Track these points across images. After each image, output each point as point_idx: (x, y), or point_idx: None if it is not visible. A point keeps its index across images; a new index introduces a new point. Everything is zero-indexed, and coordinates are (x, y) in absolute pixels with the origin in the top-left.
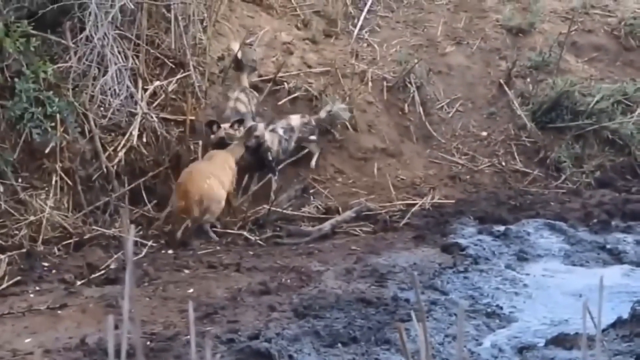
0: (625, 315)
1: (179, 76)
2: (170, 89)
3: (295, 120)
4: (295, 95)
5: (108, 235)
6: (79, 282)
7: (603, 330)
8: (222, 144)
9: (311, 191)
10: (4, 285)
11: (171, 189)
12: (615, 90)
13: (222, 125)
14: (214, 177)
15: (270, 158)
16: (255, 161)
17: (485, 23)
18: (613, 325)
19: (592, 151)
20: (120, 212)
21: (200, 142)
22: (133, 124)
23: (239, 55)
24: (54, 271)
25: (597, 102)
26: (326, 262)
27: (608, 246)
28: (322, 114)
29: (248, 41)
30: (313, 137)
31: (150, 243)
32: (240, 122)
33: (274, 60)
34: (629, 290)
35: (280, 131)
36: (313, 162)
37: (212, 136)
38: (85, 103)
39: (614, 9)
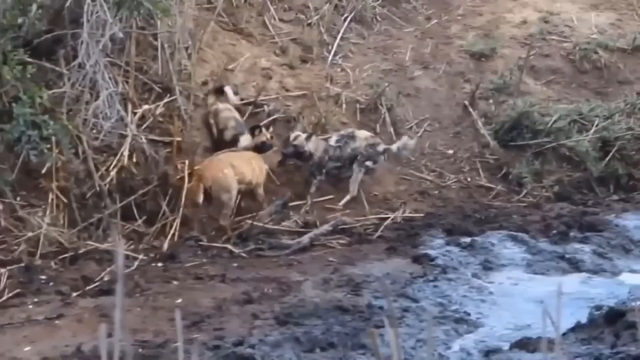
0: (584, 320)
1: (165, 100)
2: (157, 112)
3: (362, 134)
4: (274, 117)
5: (101, 250)
6: (74, 294)
7: (563, 335)
8: (262, 148)
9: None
10: (5, 298)
11: (160, 206)
12: (572, 111)
13: (263, 130)
14: (233, 167)
15: (311, 163)
16: (304, 165)
17: (450, 49)
18: (572, 330)
19: (550, 167)
20: (112, 228)
21: (187, 162)
22: (123, 145)
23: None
24: (51, 284)
25: (555, 121)
26: (305, 273)
27: (567, 256)
28: (394, 147)
29: (230, 67)
30: (369, 163)
31: (141, 256)
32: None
33: (254, 85)
34: (586, 297)
35: (333, 140)
36: (352, 187)
37: (254, 139)
38: (78, 126)
39: (569, 34)
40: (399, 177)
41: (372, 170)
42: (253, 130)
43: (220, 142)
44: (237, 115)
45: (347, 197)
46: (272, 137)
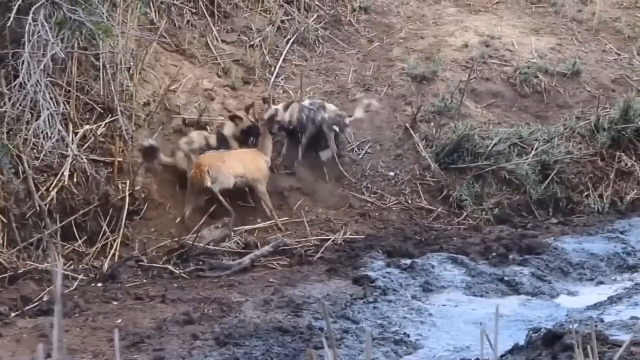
0: (522, 342)
1: (107, 120)
2: (99, 132)
3: (330, 106)
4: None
5: (41, 270)
6: (13, 314)
7: (502, 356)
8: (250, 133)
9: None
10: None
11: (100, 226)
12: (512, 134)
13: (243, 116)
14: (226, 163)
15: (292, 127)
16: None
17: (392, 71)
18: (511, 352)
19: (490, 190)
20: (50, 248)
21: (128, 182)
22: (64, 165)
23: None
24: None
25: (495, 144)
26: (246, 294)
27: (506, 278)
28: (359, 113)
29: (172, 88)
30: (336, 128)
31: (80, 276)
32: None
33: (196, 106)
34: (525, 319)
35: (306, 102)
36: (324, 154)
37: (238, 126)
38: (19, 145)
39: (510, 58)
40: (340, 199)
41: (339, 140)
42: (233, 119)
43: None
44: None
45: (328, 153)
46: (256, 120)
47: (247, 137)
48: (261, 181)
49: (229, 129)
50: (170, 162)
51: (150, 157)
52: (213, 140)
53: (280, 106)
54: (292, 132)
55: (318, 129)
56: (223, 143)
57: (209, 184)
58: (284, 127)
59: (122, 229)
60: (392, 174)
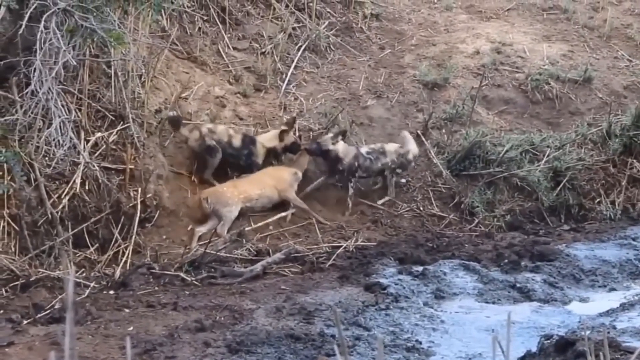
0: (534, 349)
1: (118, 128)
2: (110, 139)
3: (391, 147)
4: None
5: (53, 277)
6: (25, 322)
7: None
8: (292, 149)
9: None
10: None
11: (112, 233)
12: (523, 141)
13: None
14: (234, 187)
15: (341, 168)
16: (327, 167)
17: (403, 78)
18: (523, 358)
19: (502, 197)
20: (62, 255)
21: (139, 190)
22: (76, 173)
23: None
24: (1, 311)
25: (507, 151)
26: (257, 301)
27: (518, 285)
28: (411, 145)
29: (183, 95)
30: (399, 171)
31: (92, 284)
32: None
33: (207, 113)
34: (537, 326)
35: (364, 150)
36: (390, 190)
37: (284, 141)
38: (31, 153)
39: (522, 65)
40: (352, 206)
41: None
42: (282, 134)
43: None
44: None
45: (386, 198)
46: (300, 137)
47: (284, 153)
48: (288, 189)
49: (270, 141)
50: (185, 138)
51: (176, 126)
52: (237, 141)
53: (329, 136)
54: (335, 171)
55: (378, 173)
56: (249, 148)
57: (207, 211)
58: (324, 152)
59: (134, 237)
60: (403, 180)
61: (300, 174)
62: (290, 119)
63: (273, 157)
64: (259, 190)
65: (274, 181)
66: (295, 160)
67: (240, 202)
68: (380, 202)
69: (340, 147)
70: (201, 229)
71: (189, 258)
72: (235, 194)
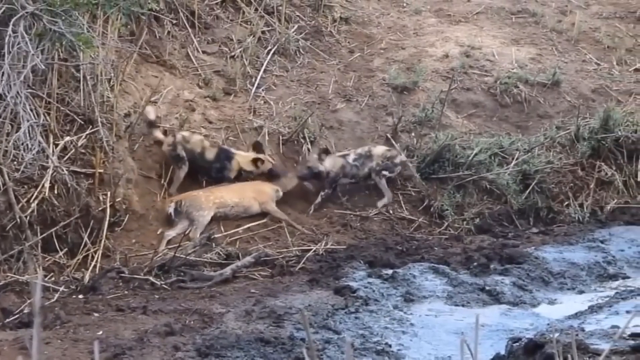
0: (503, 352)
1: (88, 132)
2: (79, 143)
3: (378, 151)
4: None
5: (21, 282)
6: None
7: None
8: (272, 175)
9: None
10: None
11: (81, 237)
12: (492, 144)
13: (266, 158)
14: (210, 192)
15: (327, 179)
16: (319, 184)
17: (373, 82)
18: None
19: (472, 200)
20: (30, 260)
21: (109, 193)
22: (45, 177)
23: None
24: None
25: (476, 154)
26: (227, 305)
27: (487, 287)
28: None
29: (153, 99)
30: (385, 172)
31: (61, 288)
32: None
33: (177, 117)
34: (506, 328)
35: (351, 158)
36: (386, 193)
37: (259, 168)
38: None
39: (490, 69)
40: (321, 209)
41: (390, 177)
42: (256, 161)
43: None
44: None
45: (385, 201)
46: (273, 160)
47: (270, 179)
48: (269, 202)
49: (247, 165)
50: (159, 140)
51: (151, 128)
52: (210, 154)
53: (314, 155)
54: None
55: (366, 177)
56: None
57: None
58: (315, 174)
59: (103, 241)
60: (380, 205)
61: (280, 193)
62: (255, 143)
63: (246, 174)
64: (236, 198)
65: (254, 193)
66: (280, 182)
67: (214, 208)
68: (379, 204)
69: (328, 163)
70: (170, 233)
71: (158, 262)
72: (210, 198)
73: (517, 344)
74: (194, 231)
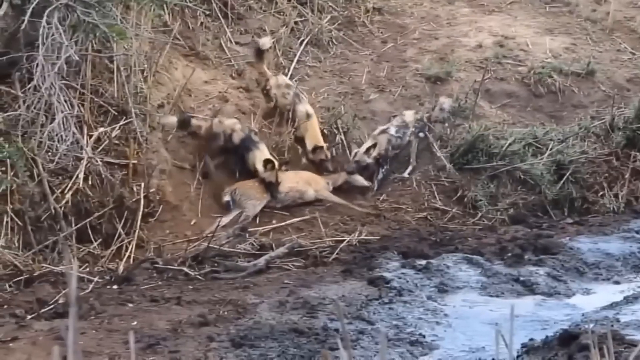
0: (538, 342)
1: (121, 123)
2: (113, 134)
3: (409, 116)
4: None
5: (56, 272)
6: (29, 317)
7: (517, 357)
8: (322, 166)
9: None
10: None
11: (115, 228)
12: (526, 134)
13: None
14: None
15: (380, 158)
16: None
17: (406, 72)
18: (527, 352)
19: (505, 190)
20: (65, 250)
21: (142, 184)
22: (79, 168)
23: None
24: (5, 306)
25: (510, 144)
26: (261, 295)
27: (521, 278)
28: (436, 112)
29: (185, 90)
30: (421, 134)
31: (96, 279)
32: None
33: (210, 107)
34: (541, 319)
35: (393, 130)
36: (412, 158)
37: (313, 156)
38: (34, 148)
39: (524, 58)
40: (355, 200)
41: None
42: (266, 163)
43: None
44: None
45: (410, 168)
46: (331, 156)
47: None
48: (323, 189)
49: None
50: (200, 126)
51: (185, 126)
52: (237, 138)
53: (361, 149)
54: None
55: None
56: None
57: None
58: (363, 167)
59: (137, 231)
60: (406, 174)
61: (331, 187)
62: (270, 160)
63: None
64: (291, 183)
65: (309, 179)
66: (330, 175)
67: (268, 197)
68: (406, 172)
69: (375, 151)
70: (224, 220)
71: (192, 252)
72: (262, 187)
73: (552, 334)
74: (244, 218)
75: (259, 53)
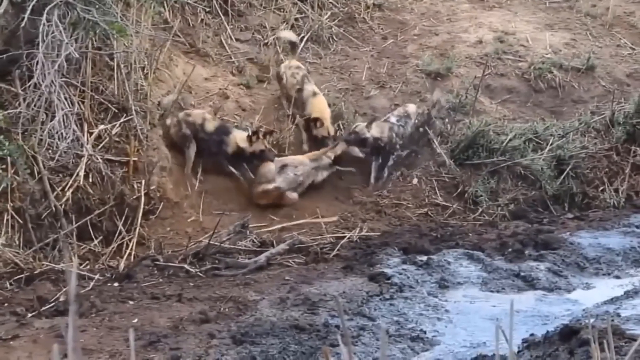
0: (538, 337)
1: (122, 120)
2: (114, 132)
3: (412, 107)
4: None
5: (57, 270)
6: (30, 314)
7: (518, 352)
8: (260, 157)
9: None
10: None
11: (116, 225)
12: (527, 129)
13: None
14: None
15: (382, 144)
16: (371, 152)
17: (406, 68)
18: (527, 347)
19: (506, 186)
20: (65, 248)
21: (143, 182)
22: (79, 165)
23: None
24: (6, 304)
25: (510, 140)
26: (262, 292)
27: (522, 273)
28: (434, 111)
29: (186, 87)
30: (420, 129)
31: (97, 276)
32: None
33: (210, 104)
34: (541, 314)
35: (393, 119)
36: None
37: (252, 145)
38: (34, 146)
39: (524, 54)
40: (356, 196)
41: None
42: (250, 136)
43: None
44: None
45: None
46: (269, 149)
47: (258, 159)
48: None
49: (242, 141)
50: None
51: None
52: (210, 126)
53: (363, 124)
54: (378, 150)
55: (405, 141)
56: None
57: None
58: (362, 140)
59: (137, 229)
60: (407, 170)
61: (332, 157)
62: (256, 129)
63: (241, 159)
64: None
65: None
66: (332, 148)
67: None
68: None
69: (375, 130)
70: (268, 186)
71: (192, 250)
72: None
73: (553, 329)
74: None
75: (294, 46)
